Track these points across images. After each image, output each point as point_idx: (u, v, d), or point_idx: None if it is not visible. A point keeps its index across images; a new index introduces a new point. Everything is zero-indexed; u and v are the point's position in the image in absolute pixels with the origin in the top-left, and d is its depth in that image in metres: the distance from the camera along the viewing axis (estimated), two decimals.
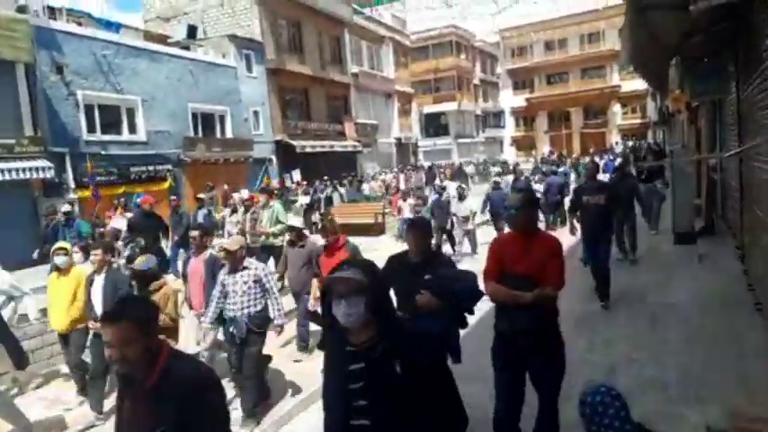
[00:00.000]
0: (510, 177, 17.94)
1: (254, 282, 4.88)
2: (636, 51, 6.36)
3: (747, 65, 6.21)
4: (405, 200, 13.83)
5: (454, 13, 39.21)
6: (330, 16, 27.52)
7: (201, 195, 13.74)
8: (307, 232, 6.74)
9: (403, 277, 3.50)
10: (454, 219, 11.76)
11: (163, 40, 20.82)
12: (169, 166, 18.11)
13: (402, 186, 21.56)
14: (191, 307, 5.74)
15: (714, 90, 7.09)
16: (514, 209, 3.47)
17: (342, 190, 19.23)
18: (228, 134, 21.41)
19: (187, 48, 20.79)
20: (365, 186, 20.75)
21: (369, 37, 32.12)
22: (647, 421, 3.16)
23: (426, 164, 34.68)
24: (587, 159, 25.74)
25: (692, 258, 8.71)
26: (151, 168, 17.43)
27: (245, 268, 4.91)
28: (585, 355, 5.40)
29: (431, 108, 42.99)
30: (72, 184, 14.86)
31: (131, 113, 17.28)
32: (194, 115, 19.74)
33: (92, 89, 15.77)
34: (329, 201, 17.66)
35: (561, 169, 19.10)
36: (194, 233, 5.78)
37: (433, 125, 43.80)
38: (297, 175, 22.08)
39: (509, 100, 52.74)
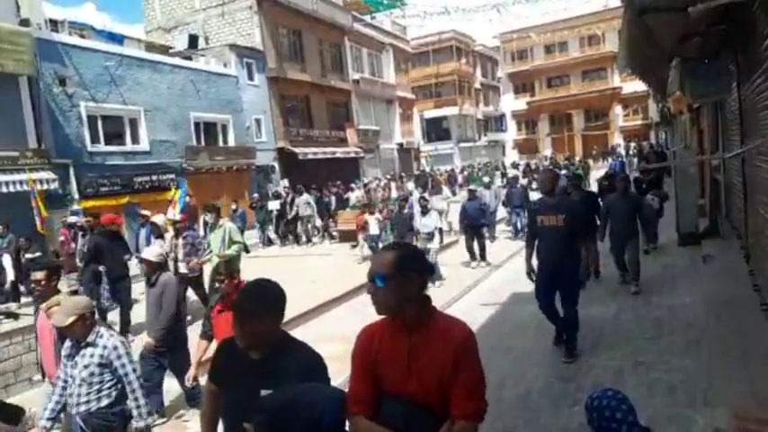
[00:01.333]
0: (497, 186, 16.53)
1: (100, 365, 3.36)
2: (634, 55, 6.38)
3: (747, 65, 6.20)
4: (371, 213, 12.27)
5: (455, 18, 39.31)
6: (330, 24, 27.66)
7: (146, 212, 11.29)
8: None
9: (239, 381, 2.20)
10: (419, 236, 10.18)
11: (165, 50, 20.97)
12: (173, 176, 18.18)
13: (394, 195, 20.43)
14: (43, 375, 4.51)
15: (714, 91, 7.07)
16: (372, 278, 2.02)
17: (331, 197, 18.40)
18: (231, 142, 21.51)
19: (189, 58, 20.93)
20: (351, 195, 19.53)
21: (369, 44, 32.26)
22: (656, 425, 3.17)
23: (428, 169, 34.79)
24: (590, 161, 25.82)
25: (696, 259, 8.70)
26: (155, 178, 17.54)
27: (88, 345, 3.36)
28: (591, 359, 5.39)
29: (432, 113, 43.13)
30: (76, 195, 14.94)
31: (134, 124, 17.40)
32: (197, 124, 19.85)
33: (95, 100, 15.89)
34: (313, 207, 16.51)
35: (564, 172, 19.07)
36: (38, 275, 4.25)
37: (435, 130, 43.91)
38: (285, 184, 21.07)
39: (510, 103, 52.84)
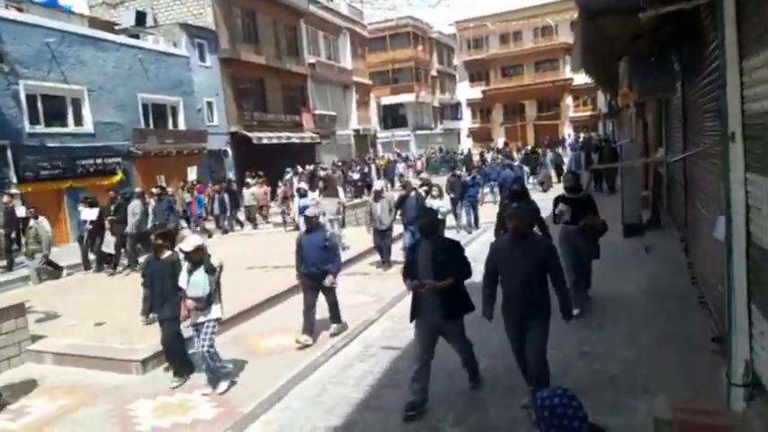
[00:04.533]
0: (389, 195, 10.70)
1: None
2: (587, 54, 6.53)
3: (692, 66, 6.46)
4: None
5: (412, 3, 39.21)
6: (286, 5, 27.11)
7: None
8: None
9: None
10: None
11: (110, 27, 20.01)
12: (119, 159, 17.50)
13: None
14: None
15: (660, 89, 7.34)
16: None
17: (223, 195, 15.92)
18: (181, 126, 20.86)
19: (136, 36, 20.08)
20: (246, 192, 16.74)
21: (325, 27, 31.80)
22: (598, 414, 3.31)
23: (388, 155, 34.74)
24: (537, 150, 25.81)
25: (639, 250, 9.08)
26: (99, 161, 16.84)
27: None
28: None
29: (389, 99, 43.03)
30: (14, 179, 14.16)
31: (77, 104, 16.58)
32: (145, 106, 19.12)
33: (35, 78, 15.03)
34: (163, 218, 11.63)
35: (516, 163, 19.49)
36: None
37: (392, 116, 43.86)
38: (193, 173, 18.92)
39: (466, 92, 53.32)
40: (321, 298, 6.50)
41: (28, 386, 5.85)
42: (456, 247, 4.68)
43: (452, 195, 13.50)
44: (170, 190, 15.13)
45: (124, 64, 18.16)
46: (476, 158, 28.02)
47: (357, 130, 35.52)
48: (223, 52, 22.79)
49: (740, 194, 3.61)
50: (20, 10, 16.38)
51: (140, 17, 21.28)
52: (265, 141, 24.19)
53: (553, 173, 20.53)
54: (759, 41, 3.20)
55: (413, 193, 9.89)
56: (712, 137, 5.06)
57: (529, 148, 29.56)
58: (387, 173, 26.82)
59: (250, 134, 23.44)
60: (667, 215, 11.36)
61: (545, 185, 19.26)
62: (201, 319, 5.19)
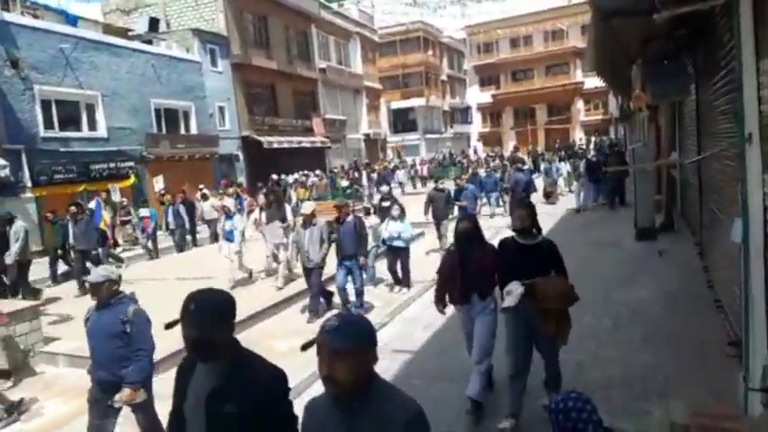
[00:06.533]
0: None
1: None
2: (601, 56, 6.51)
3: (706, 68, 6.41)
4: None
5: (422, 9, 39.28)
6: (297, 11, 27.26)
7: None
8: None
9: None
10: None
11: (123, 33, 20.23)
12: (131, 164, 17.66)
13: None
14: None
15: (674, 92, 7.29)
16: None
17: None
18: (193, 130, 21.00)
19: (149, 41, 20.28)
20: (205, 205, 14.43)
21: (336, 32, 31.92)
22: (613, 419, 3.27)
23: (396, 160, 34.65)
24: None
25: (652, 254, 8.99)
26: (113, 165, 17.01)
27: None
28: None
29: (399, 104, 43.09)
30: (29, 183, 14.34)
31: (91, 109, 16.78)
32: (157, 111, 19.30)
33: (49, 84, 15.24)
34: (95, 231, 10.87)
35: (526, 167, 19.35)
36: None
37: (402, 120, 43.92)
38: (160, 182, 17.33)
39: (476, 96, 53.26)
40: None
41: (41, 387, 5.90)
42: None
43: (428, 218, 11.05)
44: (170, 198, 14.14)
45: (137, 69, 18.36)
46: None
47: (367, 135, 35.59)
48: (235, 57, 22.96)
49: (757, 196, 3.56)
50: (35, 16, 16.63)
51: (153, 23, 21.50)
52: (276, 146, 24.29)
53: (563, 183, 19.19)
54: None
55: (349, 218, 7.56)
56: (728, 139, 5.00)
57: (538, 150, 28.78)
58: (382, 180, 23.05)
59: (261, 138, 23.57)
60: (681, 219, 11.24)
61: (552, 197, 17.34)
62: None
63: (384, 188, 12.26)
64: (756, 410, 3.61)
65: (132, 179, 17.49)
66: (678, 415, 3.75)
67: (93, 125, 16.82)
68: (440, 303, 4.74)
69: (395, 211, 8.56)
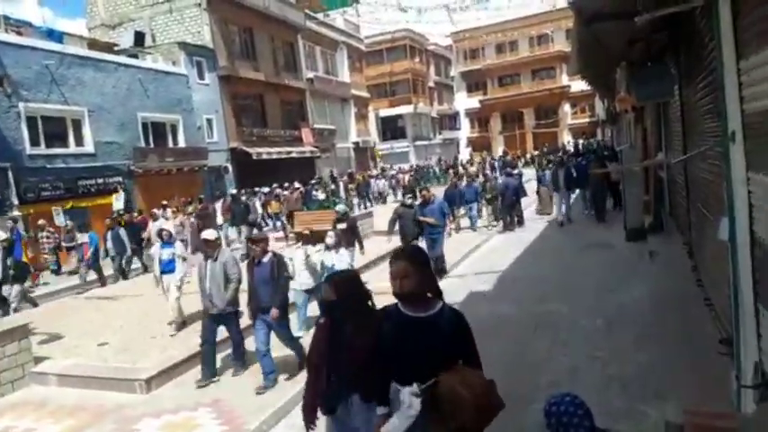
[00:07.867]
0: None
1: None
2: (585, 60, 6.57)
3: (689, 69, 6.48)
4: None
5: (408, 17, 39.51)
6: (283, 22, 27.33)
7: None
8: None
9: None
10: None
11: (109, 48, 20.17)
12: (120, 178, 17.54)
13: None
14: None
15: (658, 93, 7.35)
16: None
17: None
18: (181, 143, 20.92)
19: (135, 56, 20.23)
20: (154, 226, 12.05)
21: (322, 42, 32.04)
22: (610, 420, 3.27)
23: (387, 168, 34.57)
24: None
25: (643, 255, 9.04)
26: (101, 181, 16.89)
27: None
28: (547, 356, 5.52)
29: (387, 111, 43.23)
30: (15, 201, 14.20)
31: (78, 125, 16.67)
32: (144, 125, 19.20)
33: (35, 101, 15.13)
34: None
35: (516, 171, 19.40)
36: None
37: (390, 128, 44.03)
38: (120, 200, 16.61)
39: (464, 102, 53.57)
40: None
41: (32, 408, 5.81)
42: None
43: (402, 238, 9.11)
44: (168, 212, 14.14)
45: (123, 84, 18.28)
46: (473, 168, 25.55)
47: (356, 143, 35.65)
48: (221, 70, 22.94)
49: (742, 194, 3.59)
50: (19, 34, 16.53)
51: (139, 37, 21.46)
52: (265, 156, 24.27)
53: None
54: (756, 40, 3.21)
55: (267, 258, 5.74)
56: (712, 138, 5.05)
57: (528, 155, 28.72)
58: (360, 192, 22.80)
59: (250, 150, 23.53)
60: (669, 219, 11.32)
61: (541, 207, 16.02)
62: None
63: (340, 207, 10.24)
64: (749, 407, 3.62)
65: (112, 198, 17.05)
66: (673, 414, 3.76)
67: (79, 141, 16.70)
68: (311, 414, 3.02)
69: (329, 239, 7.11)
